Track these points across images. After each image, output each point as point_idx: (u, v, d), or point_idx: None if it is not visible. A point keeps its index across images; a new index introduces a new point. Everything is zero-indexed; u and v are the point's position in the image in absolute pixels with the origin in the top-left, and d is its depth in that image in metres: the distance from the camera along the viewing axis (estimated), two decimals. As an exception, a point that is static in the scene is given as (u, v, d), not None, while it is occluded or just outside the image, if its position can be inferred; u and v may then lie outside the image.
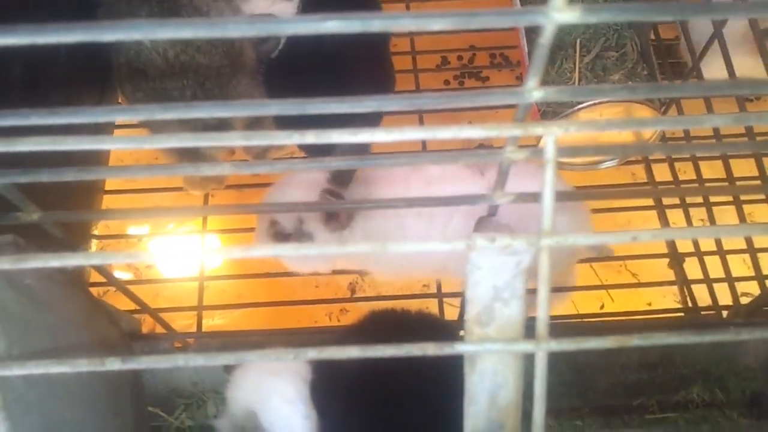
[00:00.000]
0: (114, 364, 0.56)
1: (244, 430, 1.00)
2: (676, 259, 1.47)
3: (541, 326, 0.58)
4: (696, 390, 1.29)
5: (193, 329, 1.32)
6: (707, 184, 1.44)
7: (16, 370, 0.56)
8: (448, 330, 1.14)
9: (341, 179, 1.18)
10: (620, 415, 1.28)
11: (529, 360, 0.65)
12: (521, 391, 0.64)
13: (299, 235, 1.22)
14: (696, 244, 1.44)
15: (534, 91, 0.52)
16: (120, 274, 1.59)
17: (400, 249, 0.56)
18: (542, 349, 0.58)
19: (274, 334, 1.24)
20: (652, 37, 1.63)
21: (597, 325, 1.27)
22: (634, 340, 0.60)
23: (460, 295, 1.21)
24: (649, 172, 1.58)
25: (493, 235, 0.55)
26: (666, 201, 1.53)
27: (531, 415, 0.65)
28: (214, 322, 1.58)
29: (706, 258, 1.42)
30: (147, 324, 1.28)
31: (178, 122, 1.21)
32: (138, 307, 1.11)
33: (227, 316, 1.59)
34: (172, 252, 1.61)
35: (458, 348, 0.58)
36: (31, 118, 0.50)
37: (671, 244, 1.49)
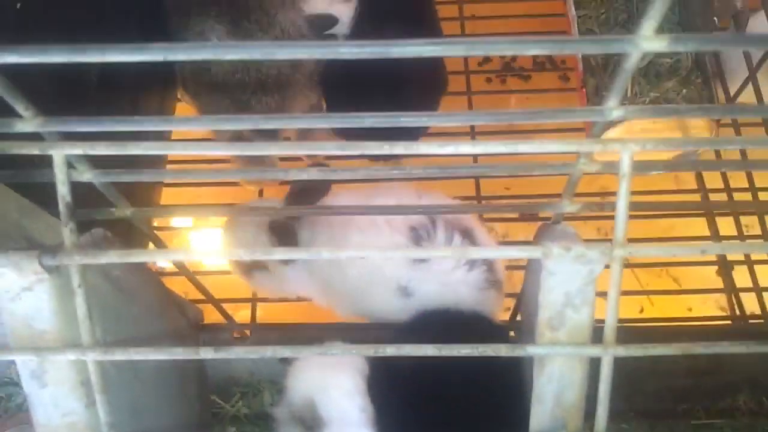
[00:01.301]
0: (207, 353, 0.60)
1: (302, 419, 1.04)
2: (725, 266, 1.47)
3: (609, 332, 0.61)
4: (743, 398, 1.30)
5: (247, 320, 1.37)
6: (760, 195, 1.43)
7: (119, 355, 0.60)
8: (499, 331, 1.17)
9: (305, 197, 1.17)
10: (666, 420, 1.29)
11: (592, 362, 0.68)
12: (585, 393, 0.67)
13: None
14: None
15: (614, 111, 0.54)
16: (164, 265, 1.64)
17: (477, 254, 0.59)
18: (609, 354, 0.61)
19: (329, 327, 1.28)
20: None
21: (651, 328, 1.28)
22: (699, 348, 0.62)
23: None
24: (699, 178, 1.58)
25: (569, 244, 0.58)
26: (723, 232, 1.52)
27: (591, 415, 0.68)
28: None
29: (757, 267, 1.42)
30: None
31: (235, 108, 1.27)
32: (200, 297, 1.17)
33: (277, 308, 1.63)
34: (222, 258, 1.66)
35: (530, 350, 0.61)
36: (145, 124, 0.55)
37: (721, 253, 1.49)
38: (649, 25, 0.44)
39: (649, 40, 0.45)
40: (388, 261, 1.17)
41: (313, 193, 1.17)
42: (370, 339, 1.16)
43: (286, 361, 1.27)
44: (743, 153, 1.45)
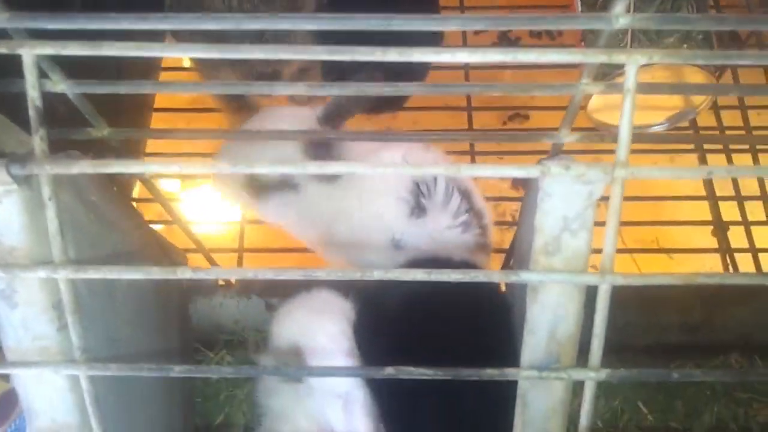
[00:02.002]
0: (185, 273, 0.57)
1: (287, 365, 1.02)
2: (720, 226, 1.45)
3: (607, 259, 0.58)
4: (735, 356, 1.28)
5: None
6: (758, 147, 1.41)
7: (92, 273, 0.57)
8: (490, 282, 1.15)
9: (334, 117, 1.09)
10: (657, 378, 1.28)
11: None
12: (580, 326, 0.64)
13: (282, 185, 1.18)
14: (743, 212, 1.43)
15: (621, 17, 0.51)
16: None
17: (473, 172, 0.56)
18: (607, 282, 0.58)
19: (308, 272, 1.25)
20: (710, 2, 1.59)
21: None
22: (700, 278, 0.60)
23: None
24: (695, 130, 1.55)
25: (568, 162, 0.55)
26: (719, 192, 1.49)
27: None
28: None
29: (753, 228, 1.40)
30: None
31: (231, 64, 1.20)
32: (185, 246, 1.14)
33: (264, 259, 1.59)
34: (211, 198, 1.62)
35: (524, 276, 0.58)
36: (122, 22, 0.51)
37: (716, 212, 1.47)
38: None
39: (622, 17, 0.44)
40: (386, 211, 1.15)
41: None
42: (358, 286, 1.14)
43: (272, 309, 1.24)
44: (741, 101, 1.42)
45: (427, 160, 1.17)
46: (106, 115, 0.71)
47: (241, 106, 1.36)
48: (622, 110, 0.54)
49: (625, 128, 0.54)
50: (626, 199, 0.56)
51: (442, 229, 1.14)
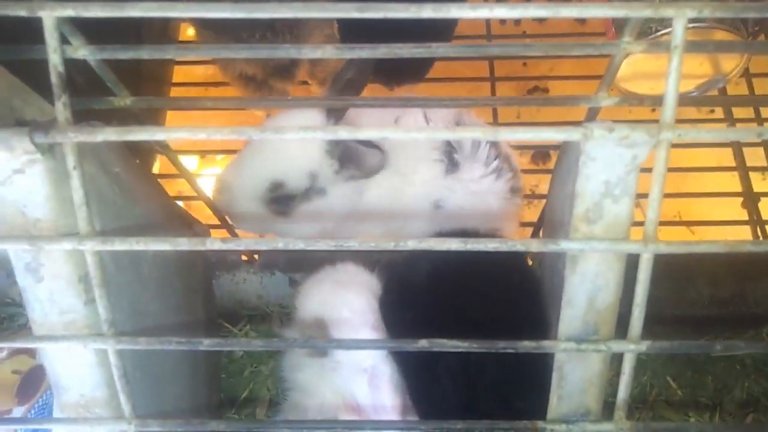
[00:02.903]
0: (214, 244, 0.56)
1: (314, 338, 1.01)
2: (751, 197, 1.42)
3: (650, 227, 0.56)
4: (766, 330, 1.26)
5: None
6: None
7: (118, 245, 0.56)
8: (517, 255, 1.13)
9: (350, 86, 1.06)
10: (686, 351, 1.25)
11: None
12: (619, 296, 0.62)
13: (310, 193, 1.09)
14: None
15: (669, -32, 0.48)
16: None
17: (511, 136, 0.53)
18: (650, 250, 0.56)
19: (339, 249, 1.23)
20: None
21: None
22: (747, 246, 0.57)
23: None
24: (728, 111, 1.51)
25: (612, 124, 0.52)
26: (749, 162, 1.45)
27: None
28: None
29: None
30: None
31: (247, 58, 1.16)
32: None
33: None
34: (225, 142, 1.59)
35: (563, 245, 0.56)
36: (143, -21, 0.49)
37: (747, 183, 1.44)
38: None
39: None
40: (424, 176, 1.14)
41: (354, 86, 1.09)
42: (383, 259, 1.12)
43: (295, 284, 1.23)
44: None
45: (459, 120, 1.16)
46: (125, 74, 0.69)
47: (259, 89, 1.34)
48: (669, 68, 0.51)
49: (672, 88, 0.52)
50: (645, 170, 0.54)
51: (477, 178, 1.14)
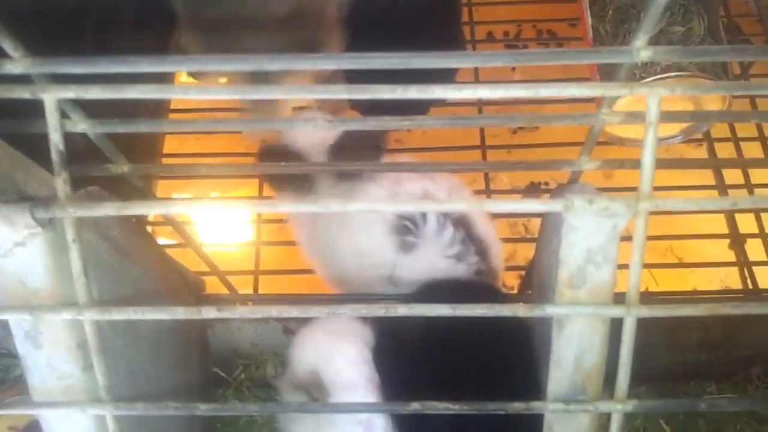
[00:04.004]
0: (210, 313, 0.57)
1: (306, 389, 1.01)
2: (736, 239, 1.44)
3: (632, 292, 0.58)
4: (756, 372, 1.27)
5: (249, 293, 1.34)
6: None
7: (116, 314, 0.57)
8: (507, 301, 1.14)
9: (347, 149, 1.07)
10: (677, 395, 1.27)
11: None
12: (605, 356, 0.64)
13: (301, 182, 1.08)
14: (760, 224, 1.41)
15: (642, 51, 0.51)
16: (165, 241, 1.61)
17: (495, 207, 0.56)
18: (632, 314, 0.58)
19: (333, 300, 1.25)
20: (722, 12, 1.58)
21: (665, 300, 1.26)
22: (727, 308, 0.59)
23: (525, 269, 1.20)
24: (711, 151, 1.54)
25: (592, 196, 0.55)
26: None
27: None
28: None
29: (770, 240, 1.39)
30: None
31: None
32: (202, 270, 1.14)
33: (280, 282, 1.59)
34: (222, 215, 1.61)
35: (549, 310, 0.58)
36: (142, 65, 0.51)
37: (732, 225, 1.46)
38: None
39: (644, 50, 0.44)
40: (377, 247, 1.13)
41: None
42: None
43: (290, 332, 1.24)
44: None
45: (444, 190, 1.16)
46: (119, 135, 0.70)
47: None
48: (644, 142, 0.54)
49: (648, 160, 0.54)
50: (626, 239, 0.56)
51: (433, 261, 1.12)
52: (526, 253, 1.80)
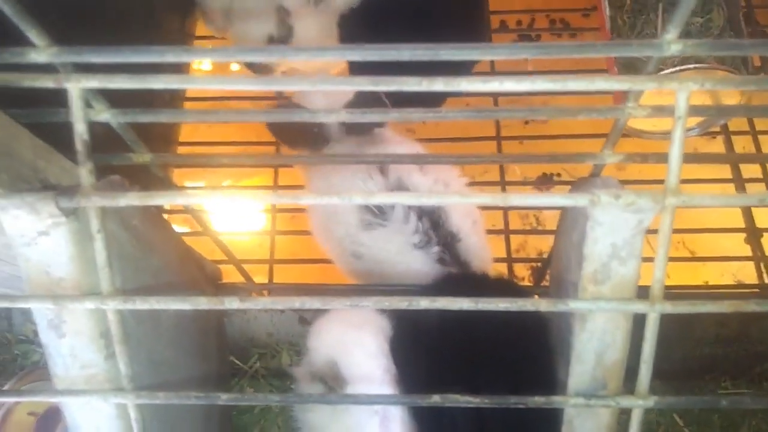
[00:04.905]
0: (232, 303, 0.57)
1: (323, 379, 1.02)
2: (753, 233, 1.43)
3: (657, 287, 0.57)
4: (772, 367, 1.27)
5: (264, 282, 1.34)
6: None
7: (140, 304, 0.57)
8: (524, 294, 1.14)
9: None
10: (692, 390, 1.26)
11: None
12: (627, 352, 0.64)
13: (318, 137, 1.13)
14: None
15: (673, 44, 0.50)
16: (179, 229, 1.61)
17: (520, 201, 0.55)
18: (656, 310, 0.58)
19: (347, 289, 1.25)
20: (742, 3, 1.56)
21: (681, 294, 1.25)
22: (751, 306, 0.59)
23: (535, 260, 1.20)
24: (728, 144, 1.52)
25: (618, 191, 0.54)
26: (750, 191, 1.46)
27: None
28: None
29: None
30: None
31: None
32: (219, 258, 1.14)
33: (294, 271, 1.60)
34: (242, 206, 1.62)
35: (572, 305, 0.57)
36: (167, 55, 0.51)
37: (749, 218, 1.45)
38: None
39: (674, 43, 0.44)
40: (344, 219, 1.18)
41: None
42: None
43: (305, 322, 1.25)
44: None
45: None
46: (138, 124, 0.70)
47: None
48: (672, 137, 0.53)
49: (675, 155, 0.53)
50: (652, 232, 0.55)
51: (395, 244, 1.16)
52: (536, 244, 1.80)
